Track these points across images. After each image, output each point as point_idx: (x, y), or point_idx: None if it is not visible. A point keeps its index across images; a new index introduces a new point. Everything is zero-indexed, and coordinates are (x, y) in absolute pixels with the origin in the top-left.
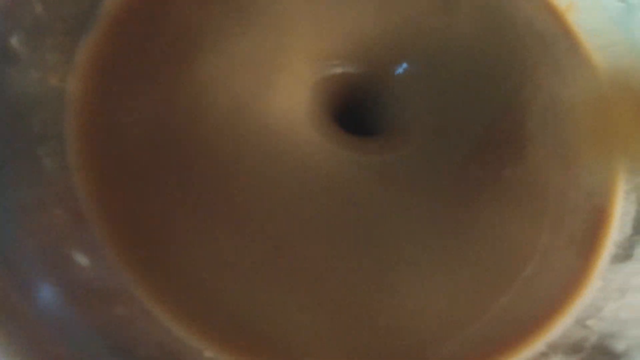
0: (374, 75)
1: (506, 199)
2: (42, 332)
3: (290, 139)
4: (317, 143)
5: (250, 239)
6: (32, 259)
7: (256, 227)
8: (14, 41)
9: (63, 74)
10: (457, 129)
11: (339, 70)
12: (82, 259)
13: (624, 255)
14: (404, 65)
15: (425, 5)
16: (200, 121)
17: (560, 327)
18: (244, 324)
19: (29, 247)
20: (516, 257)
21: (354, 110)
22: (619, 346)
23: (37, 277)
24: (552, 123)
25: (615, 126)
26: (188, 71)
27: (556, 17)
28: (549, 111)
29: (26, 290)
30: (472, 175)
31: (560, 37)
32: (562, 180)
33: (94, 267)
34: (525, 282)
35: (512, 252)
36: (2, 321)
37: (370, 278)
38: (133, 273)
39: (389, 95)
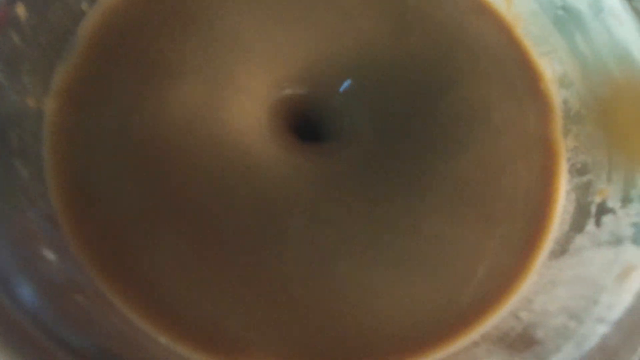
0: (321, 93)
1: (446, 201)
2: (18, 320)
3: (246, 148)
4: (270, 151)
5: (204, 237)
6: (8, 254)
7: (210, 227)
8: None
9: (39, 96)
10: (398, 137)
11: (289, 91)
12: (50, 255)
13: (560, 250)
14: (348, 81)
15: (375, 25)
16: (162, 134)
17: (496, 319)
18: (195, 314)
19: (5, 245)
20: (457, 254)
21: (307, 122)
22: (539, 334)
23: (12, 270)
24: (494, 130)
25: (560, 131)
26: (152, 91)
27: (504, 29)
28: (492, 119)
29: (4, 281)
30: (411, 180)
31: (508, 47)
32: (512, 183)
33: (60, 262)
34: (466, 278)
35: (453, 250)
36: None
37: (315, 274)
38: (96, 269)
39: (334, 108)
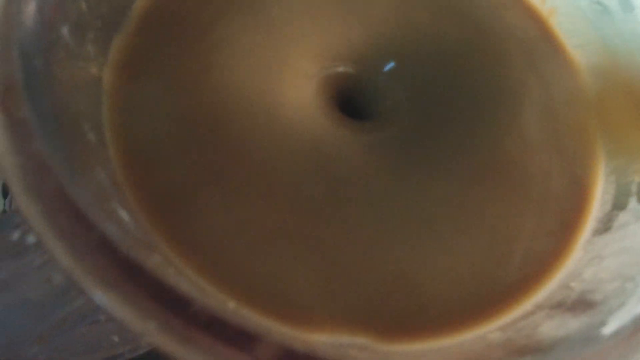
0: (366, 73)
1: (488, 179)
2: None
3: (297, 119)
4: (320, 124)
5: (265, 201)
6: (88, 207)
7: (270, 192)
8: (65, 31)
9: (100, 65)
10: (439, 117)
11: (338, 69)
12: (124, 215)
13: (603, 228)
14: (392, 63)
15: (416, 12)
16: (215, 105)
17: (546, 291)
18: (261, 279)
19: (85, 197)
20: (507, 230)
21: (353, 99)
22: (597, 297)
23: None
24: (531, 114)
25: (597, 118)
26: (204, 64)
27: (538, 22)
28: (532, 105)
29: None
30: (453, 159)
31: (541, 40)
32: (548, 166)
33: (134, 223)
34: (515, 254)
35: (503, 227)
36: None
37: (370, 238)
38: (159, 234)
39: (378, 88)
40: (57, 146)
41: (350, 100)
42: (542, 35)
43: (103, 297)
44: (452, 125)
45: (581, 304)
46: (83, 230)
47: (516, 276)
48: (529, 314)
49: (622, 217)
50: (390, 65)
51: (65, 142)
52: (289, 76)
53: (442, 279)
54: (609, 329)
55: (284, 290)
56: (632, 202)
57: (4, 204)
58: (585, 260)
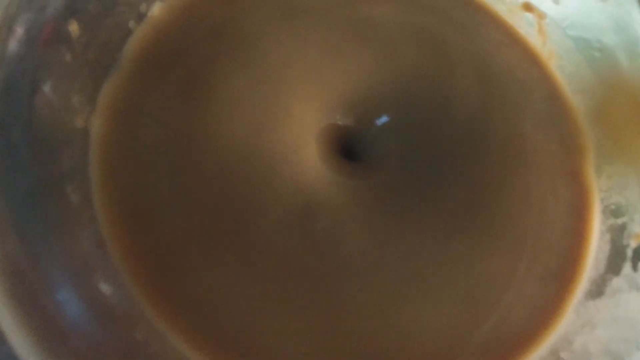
0: (360, 125)
1: (484, 233)
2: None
3: (295, 166)
4: (316, 169)
5: (258, 261)
6: (66, 285)
7: (263, 248)
8: (47, 88)
9: (87, 115)
10: (429, 168)
11: (334, 121)
12: (105, 288)
13: (596, 291)
14: (385, 118)
15: (413, 61)
16: (210, 153)
17: (536, 357)
18: (251, 346)
19: (63, 272)
20: (494, 288)
21: (349, 146)
22: None
23: (70, 299)
24: (527, 164)
25: (592, 168)
26: (202, 110)
27: (538, 65)
28: (523, 153)
29: (62, 312)
30: (441, 209)
31: (541, 81)
32: (539, 219)
33: (116, 294)
34: (502, 313)
35: (489, 283)
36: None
37: (353, 302)
38: (149, 296)
39: (373, 138)
40: (35, 227)
41: (347, 147)
42: (542, 77)
43: None
44: (441, 175)
45: None
46: (57, 344)
47: (505, 339)
48: None
49: (616, 282)
50: (383, 120)
51: (46, 215)
52: (286, 124)
53: (419, 335)
54: None
55: (270, 353)
56: (627, 268)
57: None
58: (578, 325)
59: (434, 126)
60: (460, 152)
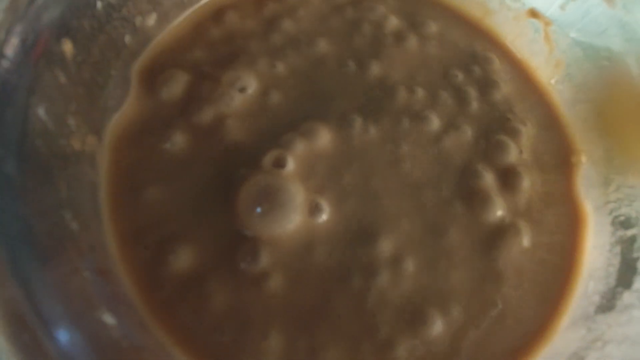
0: None
1: None
2: None
3: None
4: None
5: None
6: (67, 321)
7: None
8: (41, 112)
9: (83, 137)
10: None
11: None
12: (109, 319)
13: (607, 305)
14: None
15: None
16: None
17: None
18: None
19: (63, 309)
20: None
21: None
22: None
23: (72, 339)
24: None
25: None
26: None
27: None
28: None
29: (64, 354)
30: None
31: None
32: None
33: (121, 325)
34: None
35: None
36: None
37: None
38: (160, 326)
39: None
40: (32, 265)
41: None
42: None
43: None
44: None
45: None
46: None
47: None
48: None
49: (627, 297)
50: None
51: (43, 249)
52: None
53: None
54: None
55: None
56: (638, 283)
57: None
58: (588, 342)
59: None
60: None
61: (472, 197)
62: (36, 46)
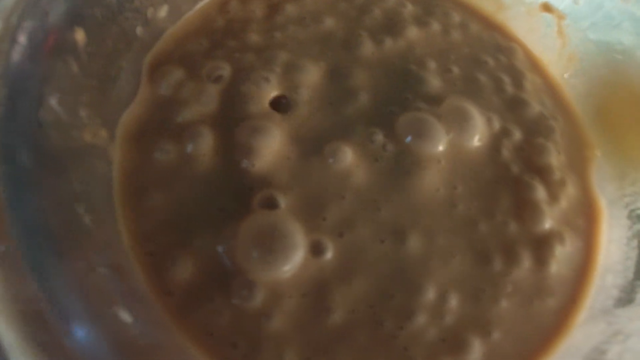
0: None
1: None
2: None
3: None
4: None
5: None
6: (85, 318)
7: None
8: (54, 101)
9: (95, 130)
10: None
11: None
12: (125, 316)
13: (627, 299)
14: None
15: None
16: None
17: None
18: None
19: (81, 305)
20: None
21: None
22: None
23: (90, 336)
24: None
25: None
26: None
27: None
28: None
29: (83, 351)
30: None
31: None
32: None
33: (137, 322)
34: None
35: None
36: None
37: None
38: (177, 324)
39: None
40: (49, 261)
41: None
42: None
43: None
44: None
45: None
46: None
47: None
48: None
49: None
50: None
51: (58, 243)
52: None
53: None
54: None
55: None
56: None
57: None
58: (608, 335)
59: None
60: None
61: (523, 212)
62: (49, 34)
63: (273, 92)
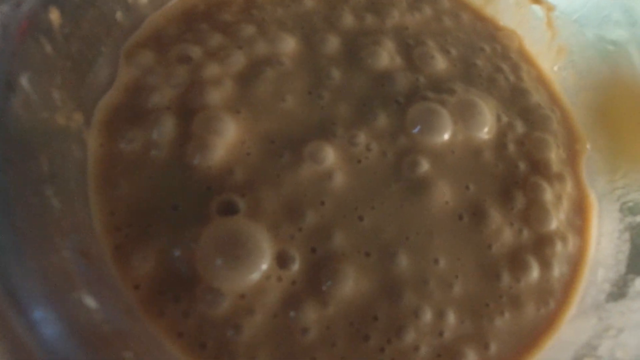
0: None
1: None
2: None
3: None
4: None
5: None
6: (43, 300)
7: None
8: (24, 81)
9: (69, 112)
10: None
11: None
12: (90, 302)
13: (618, 293)
14: None
15: None
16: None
17: None
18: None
19: (39, 287)
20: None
21: None
22: None
23: (47, 319)
24: None
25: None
26: None
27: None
28: None
29: (36, 334)
30: None
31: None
32: None
33: (103, 309)
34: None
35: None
36: None
37: None
38: (146, 311)
39: None
40: (6, 238)
41: None
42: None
43: None
44: None
45: None
46: None
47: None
48: None
49: (639, 284)
50: None
51: (20, 223)
52: None
53: None
54: None
55: None
56: None
57: None
58: (600, 331)
59: None
60: None
61: (529, 215)
62: (21, 11)
63: (238, 66)
